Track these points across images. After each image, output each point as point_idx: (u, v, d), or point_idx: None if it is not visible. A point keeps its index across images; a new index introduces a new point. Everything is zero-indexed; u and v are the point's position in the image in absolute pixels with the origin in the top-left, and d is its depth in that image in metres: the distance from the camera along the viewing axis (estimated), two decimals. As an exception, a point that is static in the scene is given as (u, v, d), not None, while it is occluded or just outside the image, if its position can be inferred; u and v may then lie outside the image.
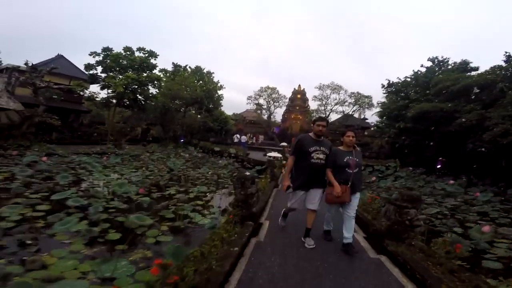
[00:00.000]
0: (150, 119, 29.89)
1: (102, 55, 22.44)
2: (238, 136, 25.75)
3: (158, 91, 25.35)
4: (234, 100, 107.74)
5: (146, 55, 23.53)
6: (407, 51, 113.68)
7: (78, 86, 20.56)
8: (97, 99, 22.68)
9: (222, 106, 37.41)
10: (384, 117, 27.10)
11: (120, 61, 22.02)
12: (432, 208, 7.32)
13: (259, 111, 38.87)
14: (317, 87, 34.86)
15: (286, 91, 40.96)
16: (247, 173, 4.71)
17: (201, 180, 9.68)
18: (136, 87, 22.04)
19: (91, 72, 22.68)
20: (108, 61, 21.82)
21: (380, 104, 36.36)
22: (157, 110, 24.47)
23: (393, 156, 24.43)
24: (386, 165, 17.51)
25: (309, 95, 38.65)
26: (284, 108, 39.39)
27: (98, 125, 26.63)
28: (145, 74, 21.94)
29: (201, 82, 29.04)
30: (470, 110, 16.85)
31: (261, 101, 37.18)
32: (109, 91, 21.51)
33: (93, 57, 22.40)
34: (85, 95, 23.31)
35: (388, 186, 11.42)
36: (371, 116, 40.17)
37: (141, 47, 23.39)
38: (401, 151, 24.43)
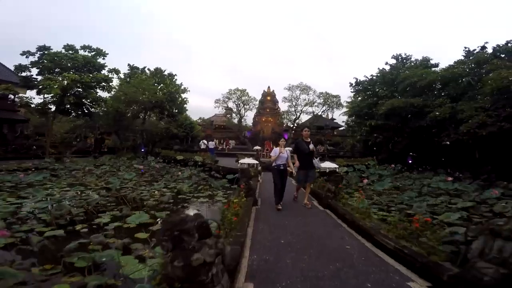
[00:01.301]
0: (104, 127, 26.55)
1: (37, 55, 18.99)
2: (205, 142, 23.33)
3: (110, 95, 22.34)
4: (204, 107, 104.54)
5: (93, 53, 20.47)
6: (371, 50, 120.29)
7: (6, 90, 17.00)
8: (32, 105, 19.09)
9: (187, 110, 34.93)
10: (354, 116, 26.86)
11: (60, 61, 18.75)
12: (451, 213, 5.78)
13: (228, 115, 36.95)
14: (286, 88, 34.00)
15: (256, 94, 39.94)
16: (189, 217, 1.99)
17: (151, 200, 7.49)
18: (81, 90, 18.88)
19: (23, 74, 19.09)
20: (45, 61, 18.45)
21: (348, 103, 36.75)
22: (109, 116, 21.46)
23: (367, 154, 24.11)
24: (366, 163, 16.61)
25: (279, 97, 37.72)
26: (255, 111, 37.93)
27: (40, 136, 22.81)
28: (91, 75, 18.87)
29: (162, 85, 26.43)
30: (440, 104, 16.73)
31: (231, 104, 35.35)
32: (47, 95, 18.13)
33: (26, 57, 18.88)
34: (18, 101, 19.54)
35: (386, 190, 9.93)
36: (339, 116, 40.62)
37: (86, 45, 20.32)
38: (375, 149, 24.19)
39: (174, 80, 28.51)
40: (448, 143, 22.07)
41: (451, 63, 19.90)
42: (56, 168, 13.24)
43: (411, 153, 23.91)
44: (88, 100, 19.84)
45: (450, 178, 10.76)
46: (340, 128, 42.34)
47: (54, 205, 5.63)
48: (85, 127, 26.48)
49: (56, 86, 16.07)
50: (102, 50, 20.63)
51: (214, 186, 10.00)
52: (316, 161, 6.42)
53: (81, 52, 20.00)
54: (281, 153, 6.13)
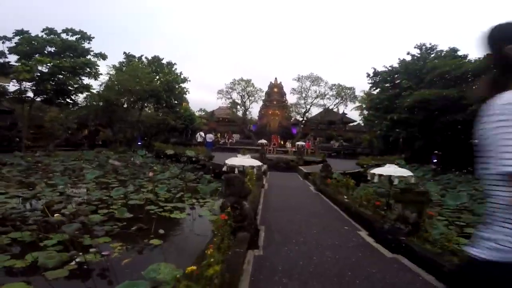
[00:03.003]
0: (99, 119, 24.50)
1: (15, 40, 16.84)
2: (202, 134, 20.68)
3: (100, 84, 20.21)
4: (209, 101, 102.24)
5: (77, 37, 18.14)
6: (387, 41, 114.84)
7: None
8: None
9: (188, 102, 32.67)
10: (372, 110, 24.17)
11: (38, 45, 16.55)
12: None
13: (233, 108, 34.48)
14: (295, 79, 31.35)
15: (263, 85, 37.33)
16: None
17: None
18: (61, 76, 16.65)
19: (0, 61, 16.99)
20: (22, 46, 16.28)
21: (364, 95, 33.90)
22: (97, 106, 19.39)
23: (387, 151, 21.54)
24: (395, 163, 14.02)
25: (287, 89, 35.06)
26: (260, 103, 35.36)
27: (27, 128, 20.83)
28: (72, 60, 16.58)
29: (160, 74, 24.12)
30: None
31: (235, 95, 32.84)
32: (25, 83, 15.98)
33: (3, 42, 16.77)
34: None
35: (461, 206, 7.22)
36: (350, 111, 37.76)
37: (69, 28, 18.02)
38: (396, 145, 21.54)
39: (173, 69, 26.21)
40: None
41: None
42: (11, 163, 11.11)
43: (436, 151, 21.35)
44: (72, 88, 17.63)
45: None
46: (352, 124, 39.52)
47: None
48: (79, 118, 24.45)
49: (26, 70, 13.86)
50: (86, 33, 18.29)
51: (202, 192, 7.68)
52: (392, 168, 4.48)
53: (64, 36, 17.73)
54: None
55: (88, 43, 18.62)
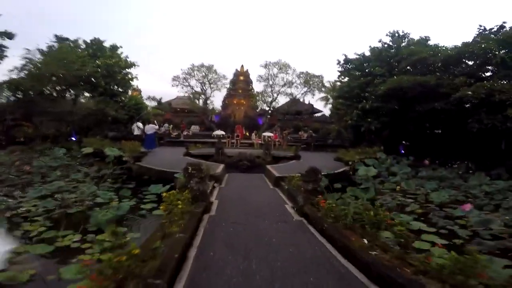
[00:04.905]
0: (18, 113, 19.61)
1: None
2: (139, 125, 15.77)
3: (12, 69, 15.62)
4: (171, 92, 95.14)
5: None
6: (355, 31, 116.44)
7: None
8: None
9: (140, 91, 28.33)
10: (342, 99, 22.65)
11: None
12: None
13: (193, 97, 30.75)
14: (262, 66, 28.71)
15: (227, 72, 34.07)
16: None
17: None
18: None
19: None
20: None
21: (333, 84, 32.63)
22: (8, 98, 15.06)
23: (358, 142, 20.24)
24: (377, 157, 12.33)
25: (253, 78, 32.41)
26: (224, 92, 32.25)
27: None
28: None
29: (100, 59, 19.69)
30: (463, 83, 12.94)
31: (194, 83, 29.12)
32: None
33: None
34: None
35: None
36: (316, 101, 36.55)
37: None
38: (367, 136, 20.32)
39: (120, 53, 21.76)
40: (440, 131, 19.36)
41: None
42: None
43: (404, 142, 20.70)
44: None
45: None
46: (317, 114, 38.42)
47: None
48: None
49: None
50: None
51: (94, 222, 4.66)
52: None
53: None
54: None
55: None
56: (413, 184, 8.42)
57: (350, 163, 11.01)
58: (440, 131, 19.25)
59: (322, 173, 6.26)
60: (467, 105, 13.50)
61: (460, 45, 15.84)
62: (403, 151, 18.87)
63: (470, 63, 15.93)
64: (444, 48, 17.05)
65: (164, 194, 4.87)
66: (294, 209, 5.67)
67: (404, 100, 16.87)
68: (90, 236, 4.27)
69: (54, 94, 19.19)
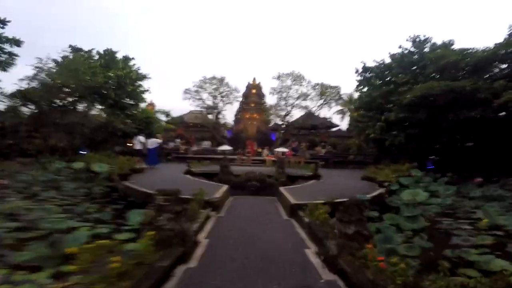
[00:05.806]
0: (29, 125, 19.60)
1: None
2: (140, 139, 14.80)
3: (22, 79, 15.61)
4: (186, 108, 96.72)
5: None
6: (372, 41, 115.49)
7: None
8: None
9: (154, 105, 28.12)
10: (363, 110, 21.14)
11: None
12: None
13: (206, 111, 30.22)
14: (275, 78, 27.91)
15: (239, 85, 33.69)
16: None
17: None
18: None
19: None
20: None
21: (347, 98, 31.23)
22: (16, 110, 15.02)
23: (382, 158, 18.43)
24: (412, 174, 10.65)
25: (266, 91, 31.79)
26: (236, 106, 31.60)
27: None
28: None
29: (112, 70, 19.64)
30: (505, 87, 11.30)
31: (205, 96, 28.65)
32: None
33: None
34: None
35: None
36: (332, 115, 35.07)
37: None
38: (392, 151, 18.47)
39: (132, 64, 21.75)
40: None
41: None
42: None
43: (432, 156, 18.64)
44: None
45: None
46: (334, 129, 36.78)
47: None
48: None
49: None
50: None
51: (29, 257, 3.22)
52: None
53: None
54: None
55: (2, 27, 13.74)
56: (496, 213, 6.39)
57: (386, 183, 9.29)
58: (472, 144, 17.25)
59: (344, 197, 4.63)
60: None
61: (491, 47, 14.32)
62: (432, 166, 16.93)
63: (503, 66, 14.32)
64: (473, 50, 15.46)
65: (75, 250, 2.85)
66: (320, 257, 3.90)
67: (433, 109, 15.20)
68: (19, 273, 2.75)
69: (65, 105, 19.10)
